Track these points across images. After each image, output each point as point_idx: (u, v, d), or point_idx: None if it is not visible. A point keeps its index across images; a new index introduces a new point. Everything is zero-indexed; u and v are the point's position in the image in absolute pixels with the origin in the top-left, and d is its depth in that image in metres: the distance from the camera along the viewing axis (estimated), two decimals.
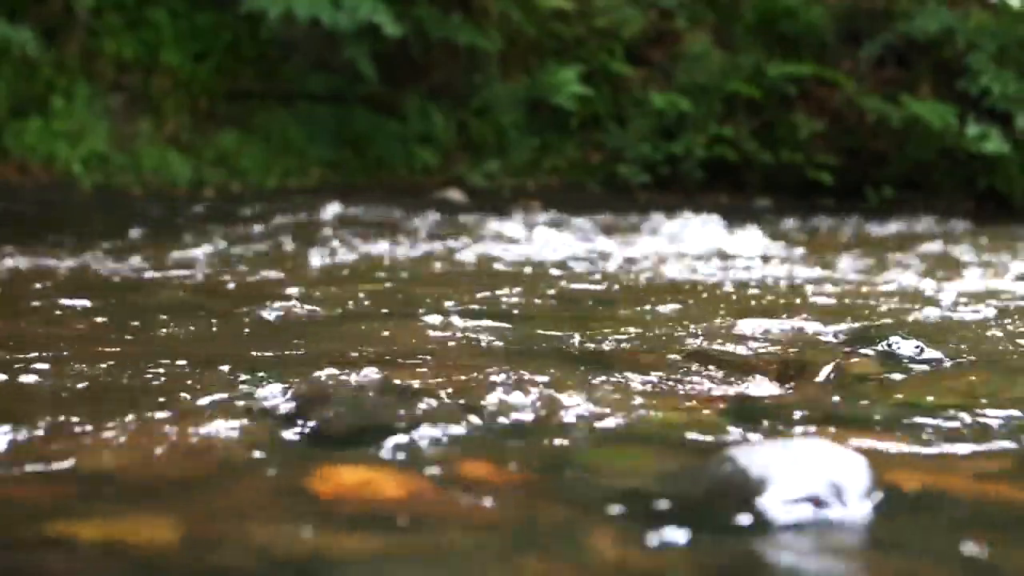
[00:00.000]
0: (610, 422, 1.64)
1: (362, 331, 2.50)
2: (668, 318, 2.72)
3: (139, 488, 1.33)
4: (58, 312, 2.71)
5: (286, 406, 1.65)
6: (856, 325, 2.54)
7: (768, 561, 1.11)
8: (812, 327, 2.51)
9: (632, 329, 2.48)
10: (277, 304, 2.82)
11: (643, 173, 8.86)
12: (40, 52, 7.47)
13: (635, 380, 1.90)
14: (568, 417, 1.66)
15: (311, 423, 1.56)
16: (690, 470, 1.33)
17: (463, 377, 1.88)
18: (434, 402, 1.66)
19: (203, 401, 1.67)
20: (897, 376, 1.96)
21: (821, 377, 1.95)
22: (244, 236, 5.03)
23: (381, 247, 4.67)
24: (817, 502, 1.22)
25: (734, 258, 4.45)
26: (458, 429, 1.57)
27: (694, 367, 2.04)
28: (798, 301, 3.13)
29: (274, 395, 1.70)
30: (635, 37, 9.44)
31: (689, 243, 4.99)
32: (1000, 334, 2.45)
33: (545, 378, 1.86)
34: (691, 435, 1.59)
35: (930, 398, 1.80)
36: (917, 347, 2.13)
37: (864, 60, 8.86)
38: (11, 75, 7.68)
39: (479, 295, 3.18)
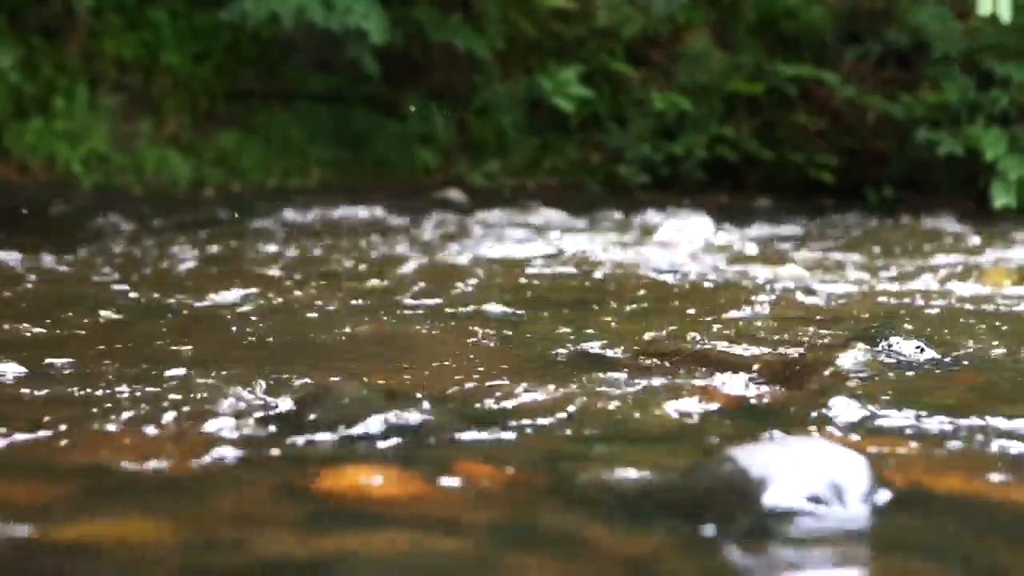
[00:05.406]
0: (610, 422, 1.64)
1: (361, 331, 2.50)
2: (667, 318, 2.72)
3: (138, 488, 1.33)
4: (56, 312, 2.71)
5: (286, 406, 1.65)
6: (856, 325, 2.54)
7: (768, 561, 1.11)
8: (812, 327, 2.51)
9: (631, 330, 2.48)
10: (276, 304, 2.82)
11: (643, 174, 8.86)
12: (20, 79, 7.49)
13: (635, 380, 1.90)
14: (567, 417, 1.66)
15: (311, 423, 1.56)
16: (690, 470, 1.33)
17: (462, 377, 1.88)
18: (434, 402, 1.66)
19: (202, 401, 1.67)
20: (897, 376, 1.96)
21: (821, 377, 1.95)
22: (243, 236, 5.03)
23: (380, 247, 4.67)
24: (817, 502, 1.22)
25: (733, 259, 4.44)
26: (457, 429, 1.57)
27: (694, 367, 2.04)
28: (797, 301, 3.13)
29: (274, 395, 1.70)
30: (635, 37, 9.43)
31: (687, 244, 4.99)
32: (1000, 334, 2.45)
33: (544, 378, 1.86)
34: (691, 435, 1.59)
35: (930, 398, 1.80)
36: (917, 347, 2.13)
37: (855, 62, 8.88)
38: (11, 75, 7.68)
39: (478, 296, 3.18)
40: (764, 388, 1.91)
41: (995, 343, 2.34)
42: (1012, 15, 6.29)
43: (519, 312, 2.84)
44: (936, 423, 1.64)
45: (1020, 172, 7.20)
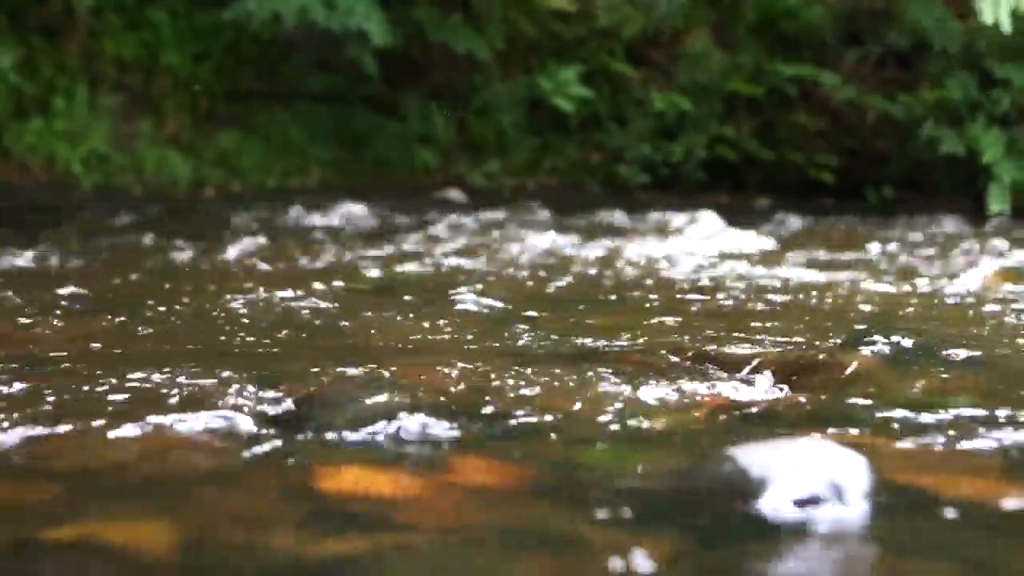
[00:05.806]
0: (609, 422, 1.64)
1: (361, 330, 2.50)
2: (667, 318, 2.72)
3: (138, 489, 1.33)
4: (56, 311, 2.71)
5: (285, 406, 1.65)
6: (856, 325, 2.54)
7: (768, 561, 1.11)
8: (811, 327, 2.51)
9: (631, 329, 2.48)
10: (276, 302, 2.82)
11: (643, 174, 8.86)
12: (20, 79, 7.50)
13: (635, 380, 1.90)
14: (567, 417, 1.66)
15: (310, 423, 1.56)
16: (690, 470, 1.33)
17: (462, 377, 1.88)
18: (433, 402, 1.66)
19: (201, 400, 1.67)
20: (896, 376, 1.96)
21: (821, 377, 1.95)
22: (241, 236, 5.03)
23: (379, 246, 4.67)
24: (817, 502, 1.22)
25: (733, 258, 4.44)
26: (458, 429, 1.57)
27: (693, 367, 2.04)
28: (798, 300, 3.12)
29: (273, 395, 1.70)
30: (635, 37, 9.43)
31: (688, 243, 4.99)
32: (1000, 333, 2.45)
33: (544, 378, 1.85)
34: (691, 435, 1.59)
35: (930, 397, 1.80)
36: (917, 346, 2.12)
37: (857, 62, 8.90)
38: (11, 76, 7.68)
39: (477, 295, 3.18)
40: (764, 388, 1.91)
41: (995, 343, 2.34)
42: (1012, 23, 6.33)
43: (519, 311, 2.84)
44: (936, 422, 1.64)
45: (1014, 175, 7.21)
